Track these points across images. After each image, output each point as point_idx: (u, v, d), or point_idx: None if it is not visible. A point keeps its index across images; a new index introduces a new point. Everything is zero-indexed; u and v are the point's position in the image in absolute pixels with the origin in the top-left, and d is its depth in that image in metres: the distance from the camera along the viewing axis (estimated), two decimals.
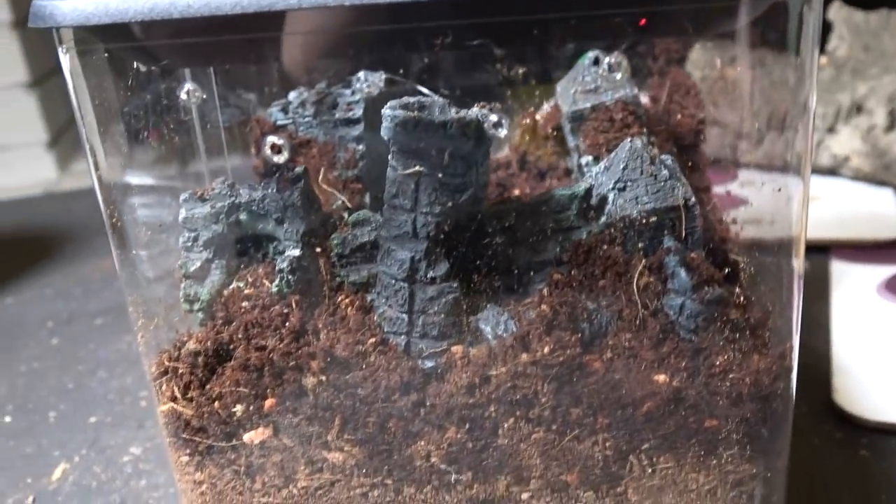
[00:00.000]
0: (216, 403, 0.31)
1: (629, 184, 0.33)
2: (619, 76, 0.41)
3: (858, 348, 0.50)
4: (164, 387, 0.32)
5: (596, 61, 0.42)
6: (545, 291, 0.31)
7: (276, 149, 0.34)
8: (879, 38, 0.71)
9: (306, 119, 0.45)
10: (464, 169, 0.30)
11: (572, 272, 0.32)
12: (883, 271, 0.59)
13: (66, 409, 0.54)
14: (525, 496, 0.31)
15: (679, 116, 0.46)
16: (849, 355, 0.49)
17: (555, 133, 0.47)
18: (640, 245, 0.32)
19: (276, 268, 0.34)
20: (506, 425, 0.30)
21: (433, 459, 0.30)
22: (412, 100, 0.31)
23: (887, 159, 0.68)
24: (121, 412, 0.53)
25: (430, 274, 0.31)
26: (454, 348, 0.30)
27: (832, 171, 0.73)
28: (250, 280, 0.35)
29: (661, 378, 0.29)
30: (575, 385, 0.29)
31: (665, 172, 0.33)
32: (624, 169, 0.33)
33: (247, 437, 0.31)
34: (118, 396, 0.55)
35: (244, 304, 0.34)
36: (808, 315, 0.55)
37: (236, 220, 0.35)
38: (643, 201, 0.33)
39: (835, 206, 0.68)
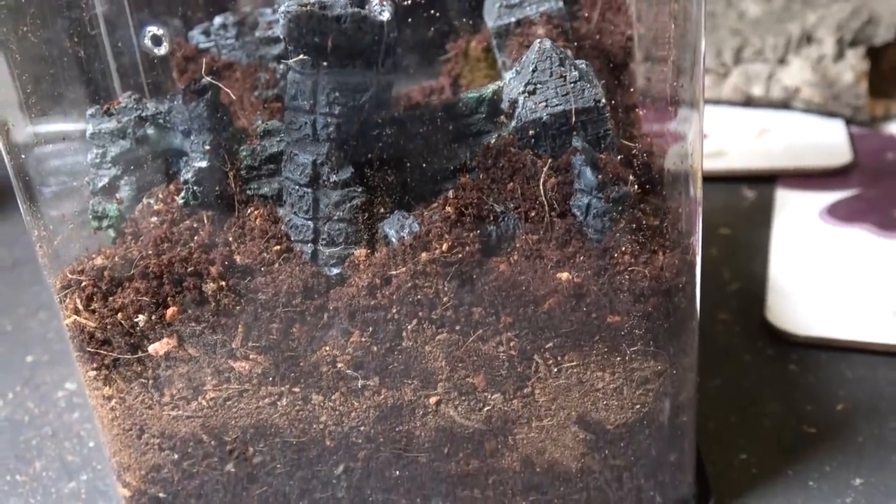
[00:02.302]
0: (119, 314, 0.31)
1: (539, 86, 0.32)
2: None
3: (795, 270, 0.50)
4: (67, 299, 0.31)
5: None
6: (450, 194, 0.31)
7: (157, 40, 0.33)
8: None
9: (228, 41, 0.44)
10: (363, 67, 0.30)
11: (480, 176, 0.32)
12: (827, 198, 0.59)
13: (2, 350, 0.53)
14: (433, 400, 0.31)
15: (609, 35, 0.45)
16: (785, 277, 0.49)
17: (487, 54, 0.47)
18: (550, 149, 0.32)
19: (181, 179, 0.33)
20: (409, 327, 0.29)
21: (339, 365, 0.30)
22: None
23: (836, 89, 0.68)
24: (59, 350, 0.52)
25: (333, 178, 0.31)
26: (357, 252, 0.30)
27: (784, 104, 0.73)
28: (161, 196, 0.34)
29: (564, 276, 0.29)
30: (476, 284, 0.29)
31: (575, 73, 0.32)
32: (533, 71, 0.32)
33: (151, 348, 0.31)
34: (57, 335, 0.54)
35: (153, 219, 0.34)
36: (750, 241, 0.55)
37: (144, 134, 0.35)
38: (553, 103, 0.32)
39: (784, 138, 0.68)
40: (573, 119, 0.32)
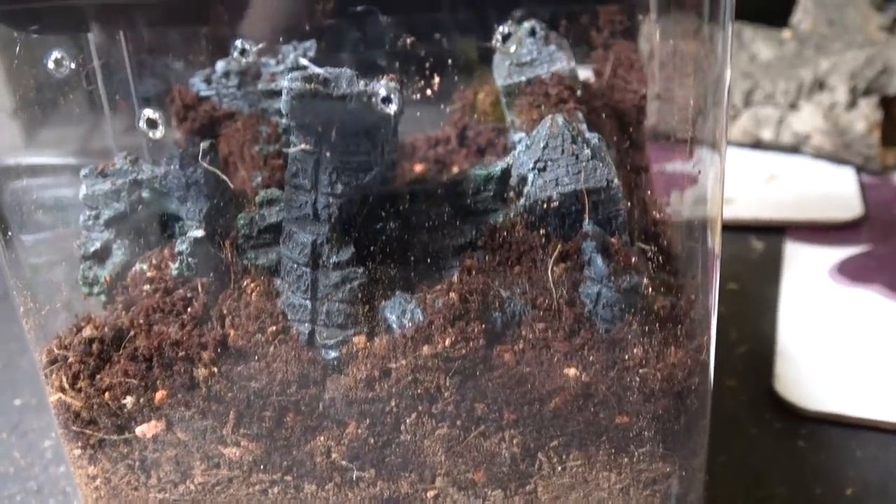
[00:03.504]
0: (106, 395, 0.29)
1: (549, 163, 0.31)
2: (554, 48, 0.39)
3: (804, 334, 0.49)
4: (53, 375, 0.30)
5: (532, 32, 0.40)
6: (454, 278, 0.29)
7: (152, 123, 0.32)
8: (843, 12, 0.69)
9: (230, 90, 0.43)
10: (367, 147, 0.28)
11: (486, 258, 0.30)
12: (837, 253, 0.58)
13: None
14: (430, 494, 0.29)
15: (622, 92, 0.44)
16: (794, 341, 0.48)
17: (495, 108, 0.45)
18: (559, 229, 0.31)
19: (176, 250, 0.32)
20: (408, 420, 0.28)
21: (334, 455, 0.29)
22: (318, 70, 0.29)
23: (848, 138, 0.66)
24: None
25: (334, 259, 0.29)
26: (356, 338, 0.29)
27: (794, 149, 0.71)
28: (155, 262, 0.33)
29: (572, 372, 0.28)
30: (479, 379, 0.27)
31: (587, 152, 0.31)
32: (544, 148, 0.31)
33: (139, 430, 0.30)
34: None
35: (146, 287, 0.33)
36: (758, 298, 0.54)
37: (139, 197, 0.33)
38: (563, 182, 0.31)
39: (793, 186, 0.67)
40: (585, 200, 0.31)
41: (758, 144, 0.73)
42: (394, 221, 0.30)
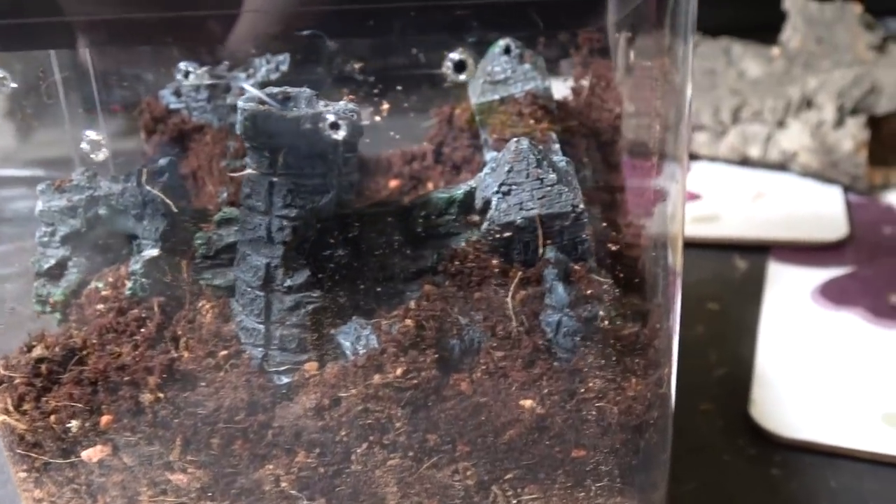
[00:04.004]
0: (51, 418, 0.29)
1: (514, 187, 0.30)
2: (528, 67, 0.39)
3: (783, 358, 0.48)
4: None
5: (507, 50, 0.40)
6: (412, 304, 0.29)
7: (95, 145, 0.31)
8: (833, 30, 0.68)
9: (200, 103, 0.42)
10: (322, 169, 0.28)
11: (446, 283, 0.30)
12: (821, 275, 0.57)
13: None
14: None
15: (598, 111, 0.43)
16: (772, 365, 0.47)
17: (471, 125, 0.45)
18: (522, 254, 0.30)
19: (129, 269, 0.31)
20: (359, 450, 0.27)
21: (283, 484, 0.28)
22: (276, 90, 0.28)
23: (835, 157, 0.66)
24: None
25: (288, 283, 0.29)
26: (308, 365, 0.28)
27: (782, 167, 0.71)
28: (111, 280, 0.33)
29: (528, 403, 0.27)
30: (432, 409, 0.27)
31: (552, 176, 0.30)
32: (508, 171, 0.31)
33: (85, 454, 0.29)
34: None
35: (100, 306, 0.32)
36: (739, 319, 0.53)
37: (95, 214, 0.33)
38: (527, 206, 0.30)
39: (780, 204, 0.66)
40: (544, 226, 0.30)
41: (745, 162, 0.72)
42: (351, 245, 0.29)
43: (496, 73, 0.39)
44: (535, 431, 0.27)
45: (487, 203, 0.31)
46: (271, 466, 0.28)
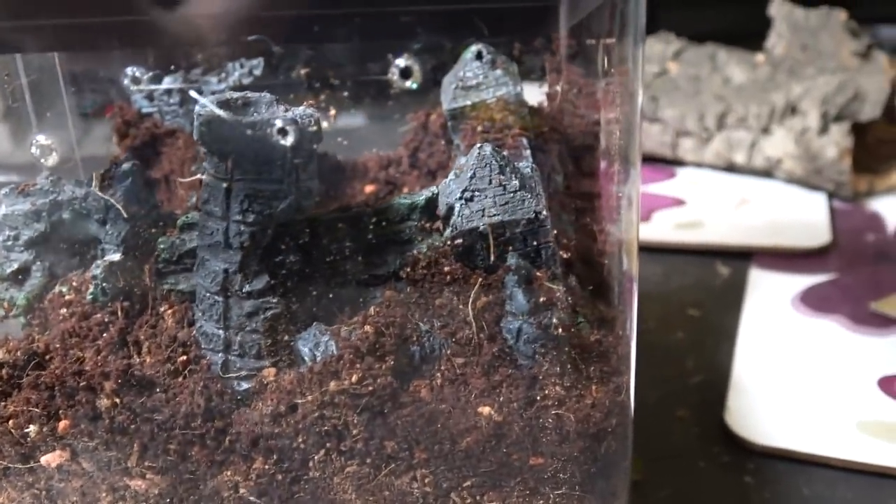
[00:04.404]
0: (10, 422, 0.28)
1: (477, 194, 0.30)
2: (500, 73, 0.39)
3: (760, 365, 0.48)
4: None
5: (479, 56, 0.39)
6: (372, 310, 0.28)
7: (45, 150, 0.31)
8: (818, 37, 0.68)
9: (172, 108, 0.42)
10: (280, 174, 0.28)
11: (407, 288, 0.30)
12: (802, 281, 0.57)
13: None
14: None
15: (570, 117, 0.43)
16: (749, 372, 0.47)
17: (446, 130, 0.45)
18: (485, 261, 0.30)
19: (90, 274, 0.31)
20: (316, 457, 0.27)
21: (241, 491, 0.28)
22: (236, 95, 0.28)
23: (819, 163, 0.66)
24: None
25: (247, 288, 0.28)
26: (266, 371, 0.28)
27: (766, 173, 0.71)
28: (75, 284, 0.32)
29: (486, 411, 0.27)
30: (389, 416, 0.27)
31: (515, 182, 0.30)
32: (472, 178, 0.30)
33: (43, 459, 0.29)
34: None
35: (63, 311, 0.32)
36: (719, 326, 0.53)
37: (59, 218, 0.33)
38: (490, 213, 0.30)
39: (763, 211, 0.66)
40: (511, 231, 0.30)
41: (731, 168, 0.72)
42: (306, 251, 0.29)
43: (468, 78, 0.39)
44: (493, 439, 0.27)
45: (451, 209, 0.31)
46: (229, 473, 0.28)
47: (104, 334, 0.31)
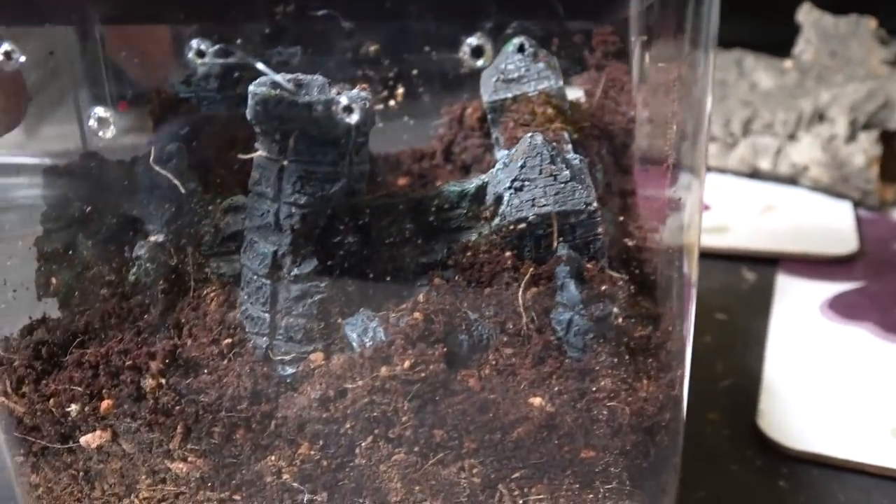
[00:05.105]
0: (50, 401, 0.28)
1: (526, 183, 0.30)
2: (542, 66, 0.38)
3: (791, 370, 0.47)
4: None
5: (521, 48, 0.39)
6: (420, 297, 0.28)
7: (103, 122, 0.31)
8: (847, 44, 0.68)
9: (210, 93, 0.42)
10: (334, 157, 0.27)
11: (456, 277, 0.29)
12: (830, 288, 0.56)
13: None
14: None
15: (611, 114, 0.43)
16: (780, 377, 0.47)
17: (482, 123, 0.44)
18: (534, 251, 0.30)
19: (134, 254, 0.30)
20: (363, 444, 0.27)
21: (285, 476, 0.27)
22: (289, 76, 0.28)
23: (846, 171, 0.65)
24: None
25: (295, 271, 0.28)
26: (313, 356, 0.28)
27: (792, 180, 0.70)
28: (115, 265, 0.32)
29: (537, 402, 0.26)
30: (439, 404, 0.26)
31: (566, 173, 0.30)
32: (522, 167, 0.30)
33: (83, 439, 0.28)
34: None
35: (103, 291, 0.31)
36: (746, 330, 0.53)
37: (101, 199, 0.32)
38: (540, 203, 0.30)
39: (789, 218, 0.66)
40: (559, 223, 0.29)
41: (755, 174, 0.72)
42: (360, 235, 0.29)
43: (509, 71, 0.39)
44: (544, 430, 0.26)
45: (499, 198, 0.30)
46: (273, 458, 0.27)
47: (145, 316, 0.30)
